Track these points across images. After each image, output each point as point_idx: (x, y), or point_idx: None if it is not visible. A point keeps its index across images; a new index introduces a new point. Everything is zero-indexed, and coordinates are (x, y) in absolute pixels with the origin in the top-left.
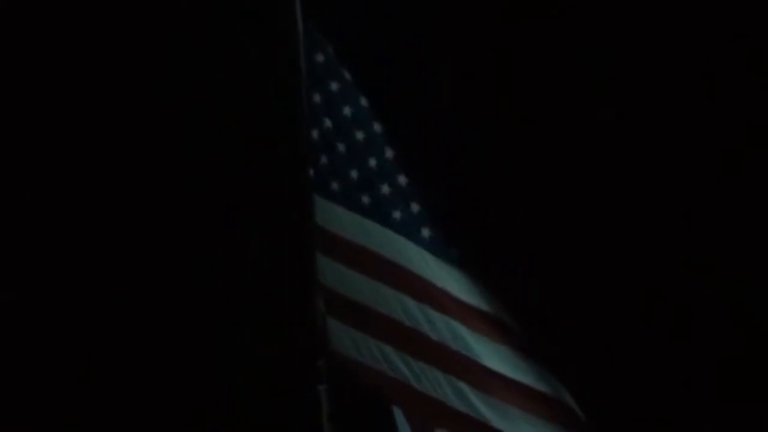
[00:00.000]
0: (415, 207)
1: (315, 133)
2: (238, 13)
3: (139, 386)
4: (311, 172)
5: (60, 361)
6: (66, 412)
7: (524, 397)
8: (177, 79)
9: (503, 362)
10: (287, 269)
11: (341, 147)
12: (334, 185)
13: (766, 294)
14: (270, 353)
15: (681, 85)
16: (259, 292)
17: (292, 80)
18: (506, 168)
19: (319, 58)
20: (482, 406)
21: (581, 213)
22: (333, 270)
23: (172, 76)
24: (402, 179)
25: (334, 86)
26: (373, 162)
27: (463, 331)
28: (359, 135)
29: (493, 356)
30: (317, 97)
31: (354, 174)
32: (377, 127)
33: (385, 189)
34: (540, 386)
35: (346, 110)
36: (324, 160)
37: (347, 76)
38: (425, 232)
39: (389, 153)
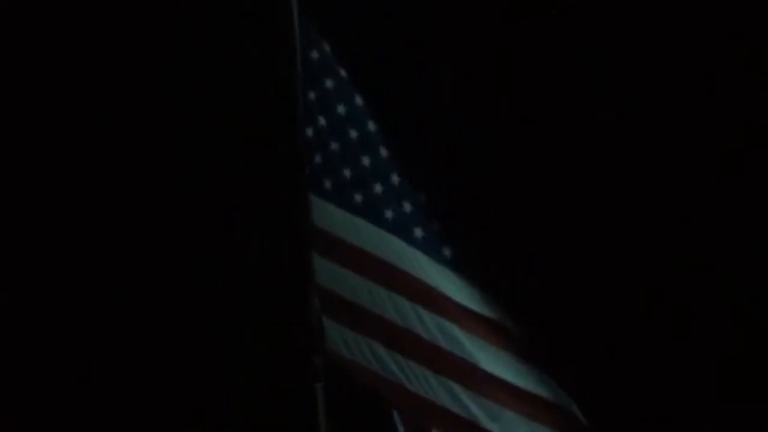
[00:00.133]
0: (407, 206)
1: (310, 131)
2: (236, 13)
3: (138, 385)
4: (307, 170)
5: (60, 361)
6: (66, 412)
7: (518, 399)
8: (175, 79)
9: (497, 363)
10: (285, 268)
11: (335, 145)
12: (328, 183)
13: (766, 294)
14: (268, 352)
15: (681, 85)
16: (257, 291)
17: (291, 80)
18: (505, 168)
19: (315, 55)
20: (474, 407)
21: (581, 213)
22: (327, 269)
23: (170, 76)
24: (395, 178)
25: (329, 84)
26: (366, 161)
27: (456, 331)
28: (353, 133)
29: (486, 357)
30: (312, 95)
31: (347, 172)
32: (372, 125)
33: (378, 188)
34: (536, 389)
35: (341, 108)
36: (318, 158)
37: (343, 73)
38: (418, 232)
39: (383, 152)
